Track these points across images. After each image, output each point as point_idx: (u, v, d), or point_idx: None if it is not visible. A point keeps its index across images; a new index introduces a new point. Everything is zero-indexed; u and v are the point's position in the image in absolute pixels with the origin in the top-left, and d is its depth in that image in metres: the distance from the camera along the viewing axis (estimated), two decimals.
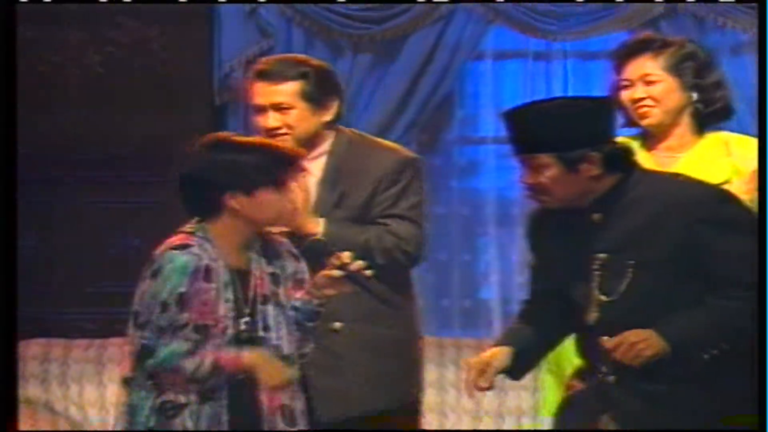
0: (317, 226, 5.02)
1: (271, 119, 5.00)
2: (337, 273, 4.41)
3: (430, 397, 7.00)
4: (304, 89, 5.07)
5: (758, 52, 5.42)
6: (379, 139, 5.48)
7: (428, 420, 6.93)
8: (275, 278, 4.45)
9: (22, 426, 7.98)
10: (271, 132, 5.03)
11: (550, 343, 4.66)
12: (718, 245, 4.26)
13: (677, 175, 4.66)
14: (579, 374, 4.59)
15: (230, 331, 4.33)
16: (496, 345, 4.52)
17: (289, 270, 4.55)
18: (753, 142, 5.17)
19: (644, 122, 5.05)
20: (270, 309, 4.45)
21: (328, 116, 5.08)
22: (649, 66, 5.03)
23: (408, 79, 7.60)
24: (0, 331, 4.68)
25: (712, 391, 4.26)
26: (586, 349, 4.44)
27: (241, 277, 4.39)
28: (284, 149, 4.59)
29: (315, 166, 5.11)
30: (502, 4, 7.80)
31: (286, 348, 4.45)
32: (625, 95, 5.00)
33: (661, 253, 4.24)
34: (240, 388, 4.37)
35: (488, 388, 4.42)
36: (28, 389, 7.13)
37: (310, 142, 5.04)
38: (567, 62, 7.69)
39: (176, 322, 4.31)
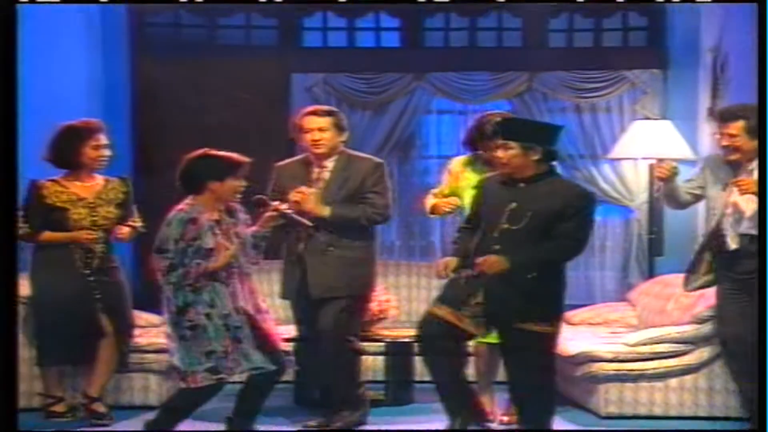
0: (325, 210, 5.34)
1: (317, 135, 5.40)
2: (275, 214, 4.86)
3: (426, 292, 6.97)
4: (334, 122, 5.50)
5: (758, 52, 4.72)
6: (362, 154, 5.79)
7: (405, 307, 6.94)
8: (235, 225, 4.85)
9: None
10: (315, 142, 5.45)
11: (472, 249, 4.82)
12: (570, 217, 4.63)
13: (570, 181, 5.17)
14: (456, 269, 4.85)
15: (220, 252, 4.71)
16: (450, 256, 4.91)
17: (242, 219, 4.91)
18: None
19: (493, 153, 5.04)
20: (235, 239, 4.83)
21: (343, 138, 5.53)
22: (491, 122, 5.31)
23: (392, 124, 8.29)
24: (0, 334, 4.20)
25: (534, 295, 4.61)
26: (474, 252, 4.72)
27: (218, 223, 4.78)
28: (231, 157, 4.87)
29: (329, 164, 5.50)
30: (442, 89, 8.29)
31: (243, 258, 4.84)
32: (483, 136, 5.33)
33: (547, 214, 4.60)
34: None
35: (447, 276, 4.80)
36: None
37: (331, 150, 5.47)
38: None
39: (182, 248, 4.68)
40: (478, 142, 5.48)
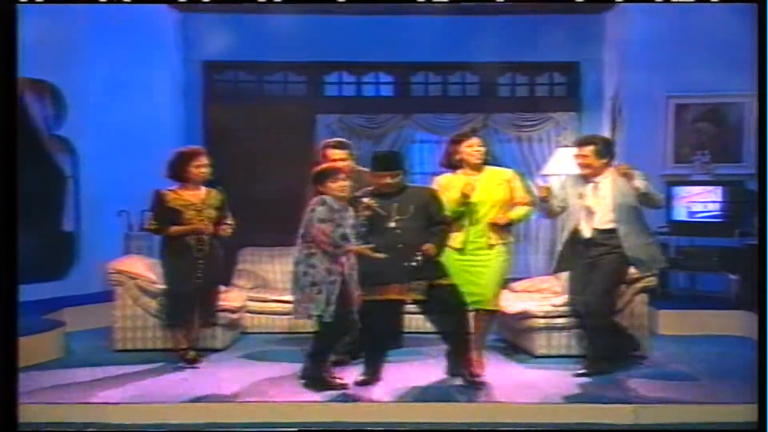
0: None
1: (339, 162, 5.36)
2: (366, 206, 4.81)
3: None
4: (350, 153, 5.58)
5: (758, 52, 3.98)
6: (364, 168, 5.50)
7: None
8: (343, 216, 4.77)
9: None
10: (336, 163, 5.30)
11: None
12: (434, 209, 4.88)
13: (422, 186, 5.13)
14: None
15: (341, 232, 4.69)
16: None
17: (349, 211, 4.79)
18: (500, 170, 5.29)
19: (464, 165, 5.20)
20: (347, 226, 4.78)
21: (352, 160, 5.56)
22: (465, 143, 5.23)
23: (387, 148, 8.11)
24: (1, 336, 3.54)
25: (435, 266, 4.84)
26: (390, 245, 4.74)
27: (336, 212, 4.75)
28: (334, 166, 4.96)
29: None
30: (423, 125, 8.40)
31: (353, 240, 4.78)
32: (457, 154, 5.19)
33: (419, 208, 4.81)
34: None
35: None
36: (245, 266, 7.01)
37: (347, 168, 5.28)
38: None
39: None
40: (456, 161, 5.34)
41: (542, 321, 5.77)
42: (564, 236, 5.40)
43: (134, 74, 7.62)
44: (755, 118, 6.54)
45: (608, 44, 8.16)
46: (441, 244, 4.93)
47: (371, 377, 4.97)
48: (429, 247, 4.80)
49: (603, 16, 8.12)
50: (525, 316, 5.82)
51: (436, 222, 4.95)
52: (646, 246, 5.24)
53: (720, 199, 7.15)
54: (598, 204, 5.26)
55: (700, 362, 5.64)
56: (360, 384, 4.94)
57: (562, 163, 7.63)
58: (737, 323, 6.46)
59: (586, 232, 5.25)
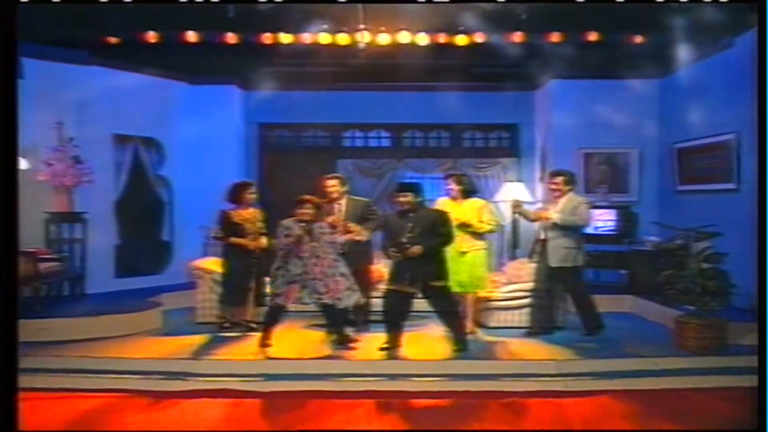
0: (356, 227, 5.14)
1: (331, 188, 5.27)
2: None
3: None
4: (342, 182, 5.36)
5: (758, 52, 3.11)
6: (359, 197, 5.41)
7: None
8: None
9: None
10: (330, 192, 5.23)
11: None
12: (440, 226, 4.65)
13: (434, 208, 4.91)
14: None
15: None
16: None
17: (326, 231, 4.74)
18: (476, 201, 5.29)
19: (453, 194, 5.26)
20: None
21: (346, 189, 5.37)
22: (452, 181, 5.32)
23: (386, 184, 8.23)
24: (1, 336, 2.75)
25: (434, 266, 4.63)
26: (396, 249, 4.60)
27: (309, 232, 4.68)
28: (318, 200, 4.78)
29: (342, 203, 5.32)
30: (411, 167, 8.27)
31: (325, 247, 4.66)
32: (448, 187, 5.28)
33: (426, 228, 4.60)
34: None
35: None
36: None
37: (340, 197, 5.27)
38: (433, 180, 8.07)
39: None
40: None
41: (495, 303, 5.77)
42: (536, 236, 5.40)
43: (211, 132, 7.71)
44: (638, 162, 7.11)
45: (537, 112, 8.21)
46: (431, 250, 4.59)
47: (392, 344, 4.75)
48: (415, 249, 4.52)
49: (534, 93, 8.20)
50: (484, 299, 5.80)
51: (437, 234, 4.64)
52: (565, 249, 5.18)
53: (614, 218, 7.23)
54: (551, 219, 5.27)
55: (601, 330, 5.65)
56: (384, 349, 4.73)
57: (508, 193, 7.58)
58: (625, 304, 6.56)
59: (544, 234, 5.26)
